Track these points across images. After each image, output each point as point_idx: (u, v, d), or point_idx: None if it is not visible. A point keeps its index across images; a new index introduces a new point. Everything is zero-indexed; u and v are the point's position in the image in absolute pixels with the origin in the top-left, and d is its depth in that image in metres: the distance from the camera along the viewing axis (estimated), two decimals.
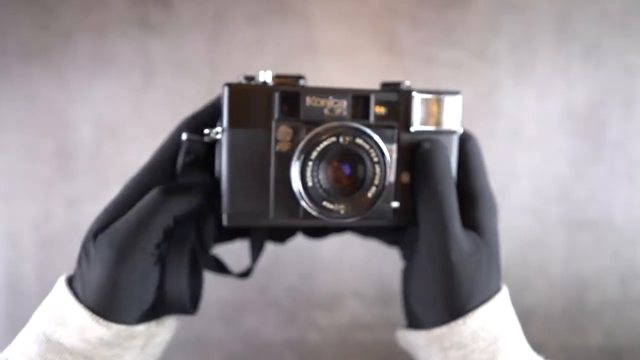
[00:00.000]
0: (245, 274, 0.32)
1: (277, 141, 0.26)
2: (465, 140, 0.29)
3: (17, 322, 0.55)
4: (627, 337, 0.58)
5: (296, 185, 0.26)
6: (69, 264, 0.54)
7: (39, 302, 0.28)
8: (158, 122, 0.54)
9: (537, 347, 0.56)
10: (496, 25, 0.54)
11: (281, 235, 0.33)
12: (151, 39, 0.53)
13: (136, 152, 0.54)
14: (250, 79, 0.28)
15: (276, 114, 0.26)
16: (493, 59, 0.55)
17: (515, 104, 0.55)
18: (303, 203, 0.26)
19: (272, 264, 0.55)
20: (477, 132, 0.55)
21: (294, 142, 0.26)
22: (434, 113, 0.28)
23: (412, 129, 0.27)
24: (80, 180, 0.54)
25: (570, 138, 0.56)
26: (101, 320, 0.25)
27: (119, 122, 0.54)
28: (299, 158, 0.25)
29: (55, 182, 0.54)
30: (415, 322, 0.29)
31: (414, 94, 0.27)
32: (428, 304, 0.27)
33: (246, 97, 0.26)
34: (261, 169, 0.26)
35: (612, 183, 0.56)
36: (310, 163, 0.25)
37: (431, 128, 0.28)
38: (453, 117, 0.28)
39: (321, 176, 0.26)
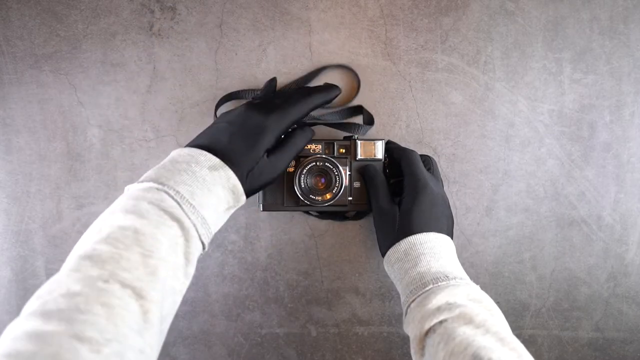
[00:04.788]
0: None
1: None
2: (402, 155, 0.49)
3: None
4: (615, 331, 0.59)
5: (297, 187, 0.49)
6: None
7: None
8: (164, 125, 0.55)
9: (529, 339, 0.57)
10: (489, 31, 0.55)
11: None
12: (157, 45, 0.54)
13: (143, 154, 0.55)
14: None
15: None
16: (486, 64, 0.56)
17: (508, 108, 0.56)
18: (300, 196, 0.49)
19: (273, 261, 0.57)
20: (472, 134, 0.56)
21: (296, 167, 0.49)
22: (369, 150, 0.51)
23: (358, 158, 0.50)
24: (88, 181, 0.55)
25: (561, 140, 0.57)
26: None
27: (126, 125, 0.55)
28: (298, 174, 0.49)
29: (65, 182, 0.55)
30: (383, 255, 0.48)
31: (358, 141, 0.50)
32: (381, 242, 0.48)
33: None
34: (280, 180, 0.50)
35: (601, 183, 0.57)
36: (303, 176, 0.49)
37: (368, 158, 0.51)
38: (379, 151, 0.51)
39: (309, 182, 0.49)
